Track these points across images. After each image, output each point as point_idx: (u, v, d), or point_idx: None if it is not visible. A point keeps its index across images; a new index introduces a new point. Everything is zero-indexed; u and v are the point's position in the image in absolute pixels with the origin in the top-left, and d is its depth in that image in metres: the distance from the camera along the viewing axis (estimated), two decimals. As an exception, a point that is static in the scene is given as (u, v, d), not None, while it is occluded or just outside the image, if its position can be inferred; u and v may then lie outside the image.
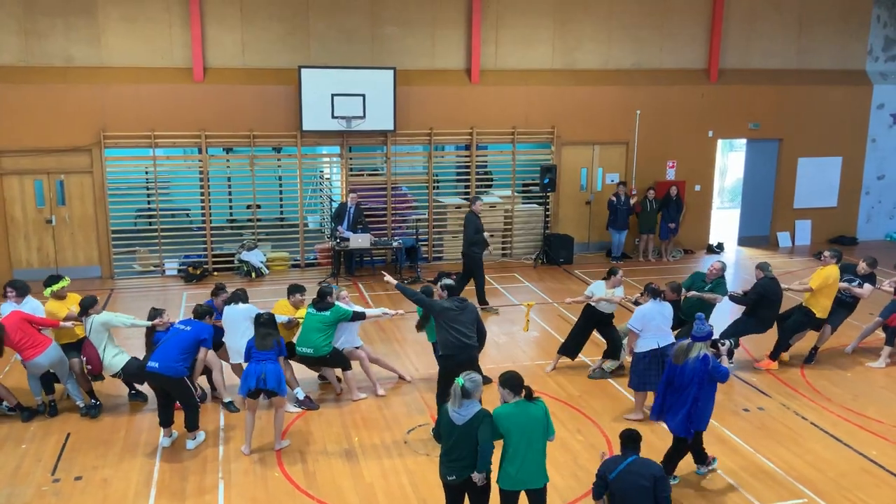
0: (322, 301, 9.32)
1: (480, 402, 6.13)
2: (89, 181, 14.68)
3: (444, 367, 8.24)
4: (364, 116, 14.98)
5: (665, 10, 16.88)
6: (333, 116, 14.88)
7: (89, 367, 9.12)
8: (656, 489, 6.06)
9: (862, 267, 10.77)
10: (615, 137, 17.02)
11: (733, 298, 10.45)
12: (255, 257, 15.17)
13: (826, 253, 10.66)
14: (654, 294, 8.97)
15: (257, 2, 14.95)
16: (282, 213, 17.76)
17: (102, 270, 14.98)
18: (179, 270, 15.21)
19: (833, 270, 10.44)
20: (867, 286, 10.70)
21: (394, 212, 16.26)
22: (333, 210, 15.74)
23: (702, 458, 7.79)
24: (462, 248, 13.20)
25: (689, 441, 7.47)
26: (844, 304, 10.83)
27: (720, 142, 18.38)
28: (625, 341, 10.06)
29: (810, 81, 17.84)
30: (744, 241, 18.45)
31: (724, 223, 19.26)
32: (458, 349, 8.12)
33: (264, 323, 8.48)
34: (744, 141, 18.60)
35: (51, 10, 14.13)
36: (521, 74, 16.33)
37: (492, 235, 16.82)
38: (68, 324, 9.09)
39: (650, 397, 8.75)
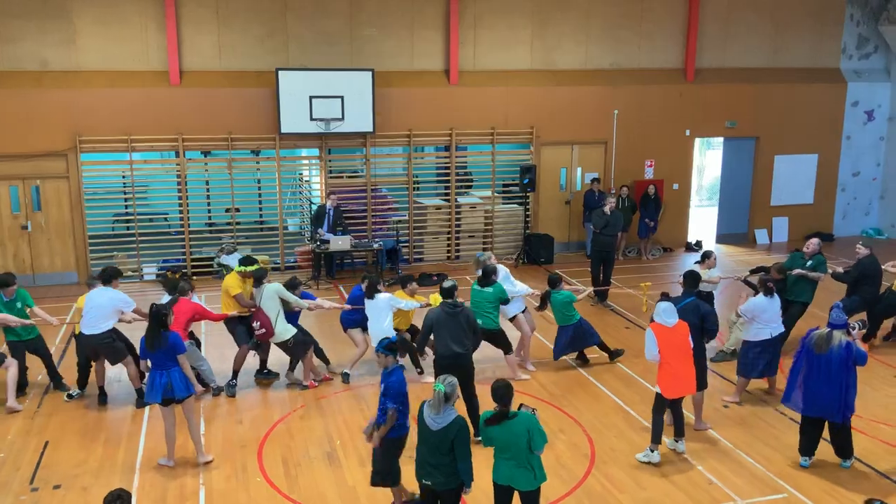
0: (486, 279, 9.69)
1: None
2: (65, 186, 14.53)
3: (436, 373, 8.28)
4: (343, 118, 14.94)
5: (642, 10, 16.98)
6: (312, 119, 14.83)
7: (262, 331, 9.67)
8: (705, 322, 8.41)
9: None
10: (594, 137, 17.09)
11: (836, 276, 10.94)
12: (235, 261, 15.04)
13: None
14: (767, 291, 9.23)
15: (234, 4, 14.87)
16: (261, 216, 17.67)
17: (79, 276, 14.81)
18: (158, 275, 15.09)
19: None
20: None
21: (374, 214, 16.23)
22: (313, 212, 15.69)
23: (850, 451, 8.00)
24: None
25: (846, 424, 7.83)
26: None
27: (697, 140, 18.52)
28: (736, 324, 10.53)
29: (786, 80, 18.01)
30: (722, 238, 18.58)
31: (703, 221, 19.39)
32: (447, 358, 8.15)
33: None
34: (721, 139, 18.74)
35: (24, 14, 13.96)
36: (499, 75, 16.35)
37: (472, 236, 16.86)
38: (233, 312, 9.87)
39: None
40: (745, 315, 9.33)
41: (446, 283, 8.54)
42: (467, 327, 8.25)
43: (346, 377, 10.26)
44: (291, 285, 10.01)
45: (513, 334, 10.45)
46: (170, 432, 7.98)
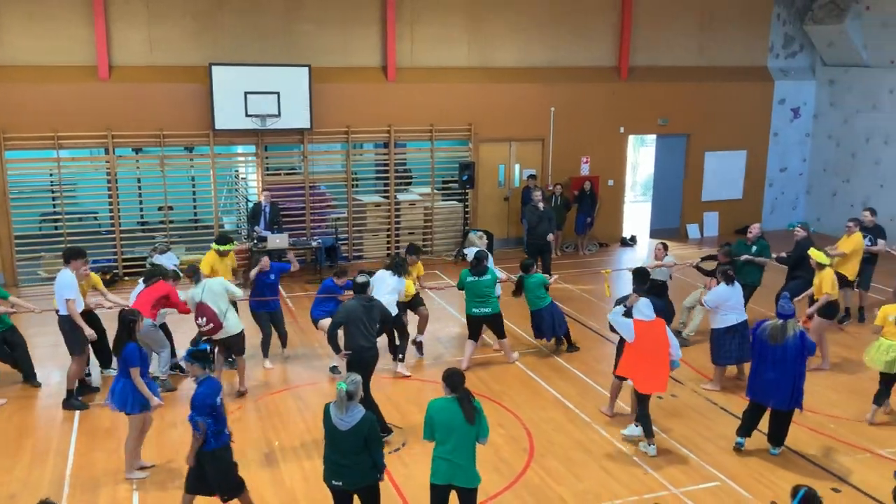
0: (480, 266, 10.14)
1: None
2: (-12, 185, 14.03)
3: (348, 368, 8.25)
4: (279, 115, 14.74)
5: (577, 8, 17.16)
6: (247, 115, 14.59)
7: (210, 325, 9.32)
8: (666, 315, 8.75)
9: (867, 217, 12.34)
10: (531, 134, 17.24)
11: (779, 259, 11.62)
12: (168, 260, 14.63)
13: (850, 223, 11.95)
14: (727, 279, 9.53)
15: (165, -3, 14.55)
16: (195, 214, 17.31)
17: (6, 278, 14.30)
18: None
19: (860, 237, 11.85)
20: (880, 241, 12.26)
21: (312, 211, 16.07)
22: (249, 210, 15.45)
23: (783, 439, 8.21)
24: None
25: (793, 412, 8.03)
26: (868, 261, 12.22)
27: (631, 137, 18.84)
28: (693, 309, 11.23)
29: (716, 78, 18.45)
30: (655, 233, 18.92)
31: (637, 216, 19.73)
32: (363, 350, 8.26)
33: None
34: (654, 136, 19.11)
35: (-58, 6, 13.43)
36: (437, 72, 16.36)
37: (411, 233, 16.83)
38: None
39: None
40: (709, 305, 9.64)
41: (360, 279, 8.54)
42: (379, 319, 8.46)
43: (334, 370, 10.31)
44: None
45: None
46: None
